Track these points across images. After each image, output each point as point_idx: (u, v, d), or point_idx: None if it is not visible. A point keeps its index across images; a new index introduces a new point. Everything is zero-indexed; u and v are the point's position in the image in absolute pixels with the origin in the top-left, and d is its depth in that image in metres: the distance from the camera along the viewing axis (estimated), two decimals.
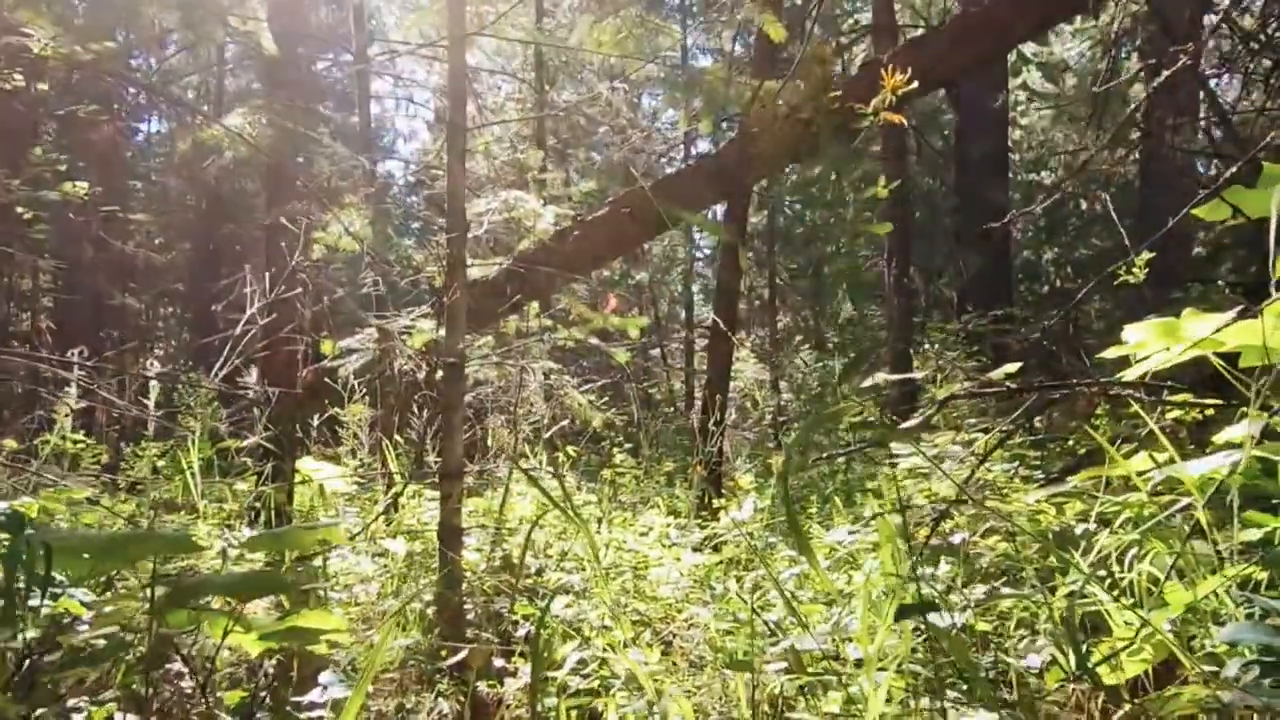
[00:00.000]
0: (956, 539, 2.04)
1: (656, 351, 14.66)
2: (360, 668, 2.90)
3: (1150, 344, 2.09)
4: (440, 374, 3.66)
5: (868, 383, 2.38)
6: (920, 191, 13.67)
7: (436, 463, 3.83)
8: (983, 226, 11.44)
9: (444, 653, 2.96)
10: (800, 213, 16.41)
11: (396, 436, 4.62)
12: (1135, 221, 10.11)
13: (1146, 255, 2.94)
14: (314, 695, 1.65)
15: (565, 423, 5.04)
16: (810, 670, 1.79)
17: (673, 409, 10.94)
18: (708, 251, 17.74)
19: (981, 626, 1.98)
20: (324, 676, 1.71)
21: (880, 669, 1.62)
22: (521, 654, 3.16)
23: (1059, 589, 1.84)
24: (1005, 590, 1.96)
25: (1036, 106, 14.82)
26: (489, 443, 4.91)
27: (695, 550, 4.17)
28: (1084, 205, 14.91)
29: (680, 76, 5.20)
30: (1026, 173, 15.74)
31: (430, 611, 3.44)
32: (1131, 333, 2.06)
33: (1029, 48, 13.59)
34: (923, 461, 3.35)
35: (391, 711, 2.42)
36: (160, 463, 5.06)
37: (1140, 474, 2.06)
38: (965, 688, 2.08)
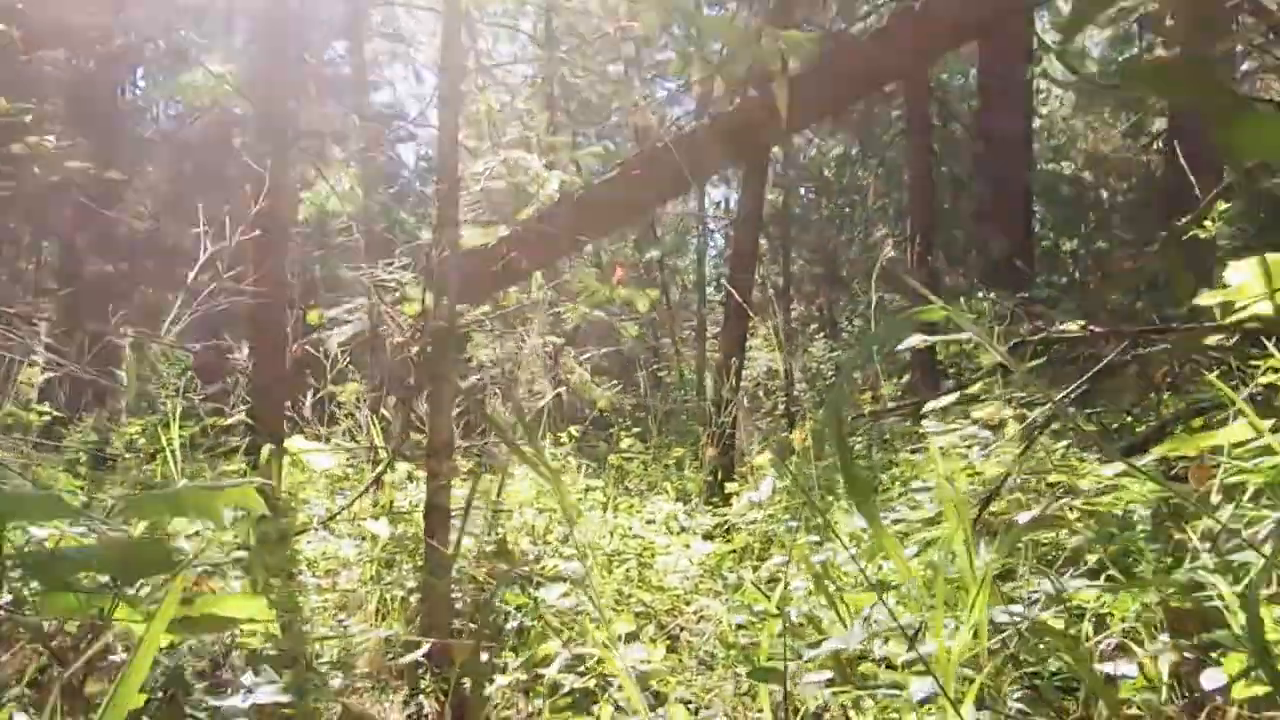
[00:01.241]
0: (1023, 518, 1.71)
1: (668, 340, 14.36)
2: (332, 662, 2.61)
3: (1252, 288, 1.75)
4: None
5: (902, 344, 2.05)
6: (942, 173, 13.33)
7: None
8: (1005, 206, 11.12)
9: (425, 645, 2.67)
10: (817, 198, 16.07)
11: (384, 411, 4.32)
12: (1165, 204, 9.78)
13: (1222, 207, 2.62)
14: (236, 700, 1.33)
15: (566, 391, 4.73)
16: (853, 674, 1.47)
17: (683, 392, 10.63)
18: (718, 234, 17.40)
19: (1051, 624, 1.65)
20: (248, 677, 1.38)
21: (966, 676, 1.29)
22: (512, 648, 2.88)
23: (1166, 579, 1.51)
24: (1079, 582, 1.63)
25: (1058, 95, 14.44)
26: (487, 419, 4.60)
27: (706, 538, 3.88)
28: (1105, 196, 14.60)
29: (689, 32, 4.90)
30: (1046, 162, 15.38)
31: (414, 600, 3.16)
32: (1234, 273, 1.72)
33: (1049, 35, 13.17)
34: (958, 440, 3.01)
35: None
36: (140, 440, 4.79)
37: (1241, 444, 1.73)
38: (1022, 694, 1.76)
